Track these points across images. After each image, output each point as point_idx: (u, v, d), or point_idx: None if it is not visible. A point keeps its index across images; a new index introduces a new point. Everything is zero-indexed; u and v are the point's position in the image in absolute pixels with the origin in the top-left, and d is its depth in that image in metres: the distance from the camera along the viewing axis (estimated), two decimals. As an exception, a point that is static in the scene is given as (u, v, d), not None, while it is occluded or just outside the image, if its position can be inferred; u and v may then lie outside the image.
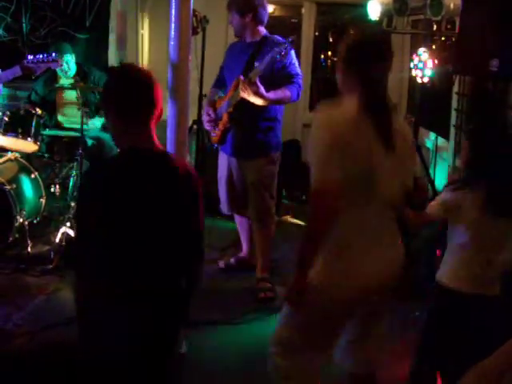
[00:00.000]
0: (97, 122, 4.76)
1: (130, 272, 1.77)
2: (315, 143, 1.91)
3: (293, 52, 3.55)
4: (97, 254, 1.74)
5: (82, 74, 4.74)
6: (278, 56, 3.33)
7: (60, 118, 4.85)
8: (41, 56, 3.34)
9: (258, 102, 3.45)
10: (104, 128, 4.70)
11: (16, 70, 3.30)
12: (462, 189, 2.30)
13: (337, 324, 2.07)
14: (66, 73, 4.68)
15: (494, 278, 2.33)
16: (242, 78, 3.45)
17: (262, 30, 3.67)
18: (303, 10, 6.51)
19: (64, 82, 4.74)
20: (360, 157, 1.86)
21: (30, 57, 3.31)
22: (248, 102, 3.46)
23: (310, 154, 1.92)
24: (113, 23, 5.93)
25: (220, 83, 3.91)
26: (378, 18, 4.82)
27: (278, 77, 3.49)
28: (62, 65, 3.51)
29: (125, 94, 1.85)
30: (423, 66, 4.34)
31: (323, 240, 1.89)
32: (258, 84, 3.37)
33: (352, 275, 1.94)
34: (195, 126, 4.69)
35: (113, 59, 5.96)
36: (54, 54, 3.44)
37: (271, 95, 3.46)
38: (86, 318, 1.83)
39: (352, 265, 1.94)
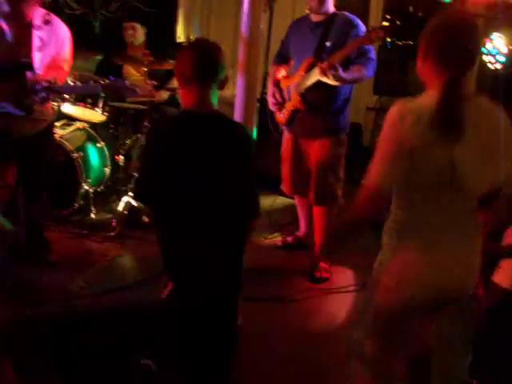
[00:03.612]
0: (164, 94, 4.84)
1: (186, 204, 2.07)
2: (380, 141, 1.83)
3: (363, 27, 3.49)
4: (157, 187, 2.09)
5: (150, 47, 4.83)
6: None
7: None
8: (121, 82, 3.51)
9: (336, 83, 3.40)
10: (170, 101, 4.78)
11: (97, 89, 3.48)
12: None
13: (408, 322, 2.02)
14: (132, 36, 4.80)
15: None
16: (318, 61, 3.39)
17: (332, 7, 3.61)
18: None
19: (133, 53, 4.83)
20: (429, 157, 1.77)
21: (112, 78, 3.48)
22: (322, 83, 3.42)
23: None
24: (181, -2, 6.00)
25: (282, 59, 3.87)
26: (449, 0, 4.68)
27: (352, 54, 3.42)
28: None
29: (186, 65, 2.11)
30: (496, 51, 4.19)
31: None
32: (339, 67, 3.32)
33: (429, 273, 1.87)
34: (258, 104, 4.71)
35: (181, 33, 6.03)
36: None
37: (349, 76, 3.40)
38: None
39: (432, 263, 1.87)
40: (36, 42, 3.06)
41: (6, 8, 2.96)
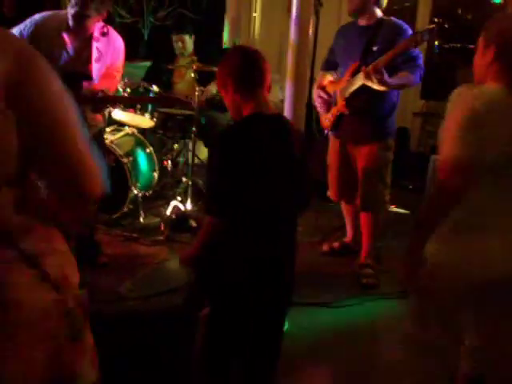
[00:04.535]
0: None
1: (262, 207, 2.05)
2: (449, 118, 1.83)
3: (411, 33, 3.43)
4: (236, 196, 2.00)
5: (198, 54, 4.90)
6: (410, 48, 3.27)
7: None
8: (176, 97, 3.94)
9: (381, 88, 3.37)
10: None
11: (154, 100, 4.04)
12: None
13: (452, 316, 2.01)
14: (182, 48, 4.88)
15: None
16: (363, 66, 3.37)
17: (379, 12, 3.58)
18: (419, -6, 6.32)
19: (182, 62, 4.92)
20: (500, 140, 1.79)
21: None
22: (368, 87, 3.39)
23: (444, 128, 1.85)
24: (228, 5, 6.06)
25: (329, 66, 3.85)
26: (499, 2, 4.59)
27: (400, 60, 3.38)
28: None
29: (245, 70, 2.10)
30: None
31: (441, 219, 1.85)
32: (384, 72, 3.28)
33: (477, 259, 1.85)
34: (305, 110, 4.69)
35: (226, 39, 6.10)
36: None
37: (395, 81, 3.36)
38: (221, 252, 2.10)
39: (479, 248, 1.86)
40: (94, 54, 3.19)
41: (71, 23, 3.12)
